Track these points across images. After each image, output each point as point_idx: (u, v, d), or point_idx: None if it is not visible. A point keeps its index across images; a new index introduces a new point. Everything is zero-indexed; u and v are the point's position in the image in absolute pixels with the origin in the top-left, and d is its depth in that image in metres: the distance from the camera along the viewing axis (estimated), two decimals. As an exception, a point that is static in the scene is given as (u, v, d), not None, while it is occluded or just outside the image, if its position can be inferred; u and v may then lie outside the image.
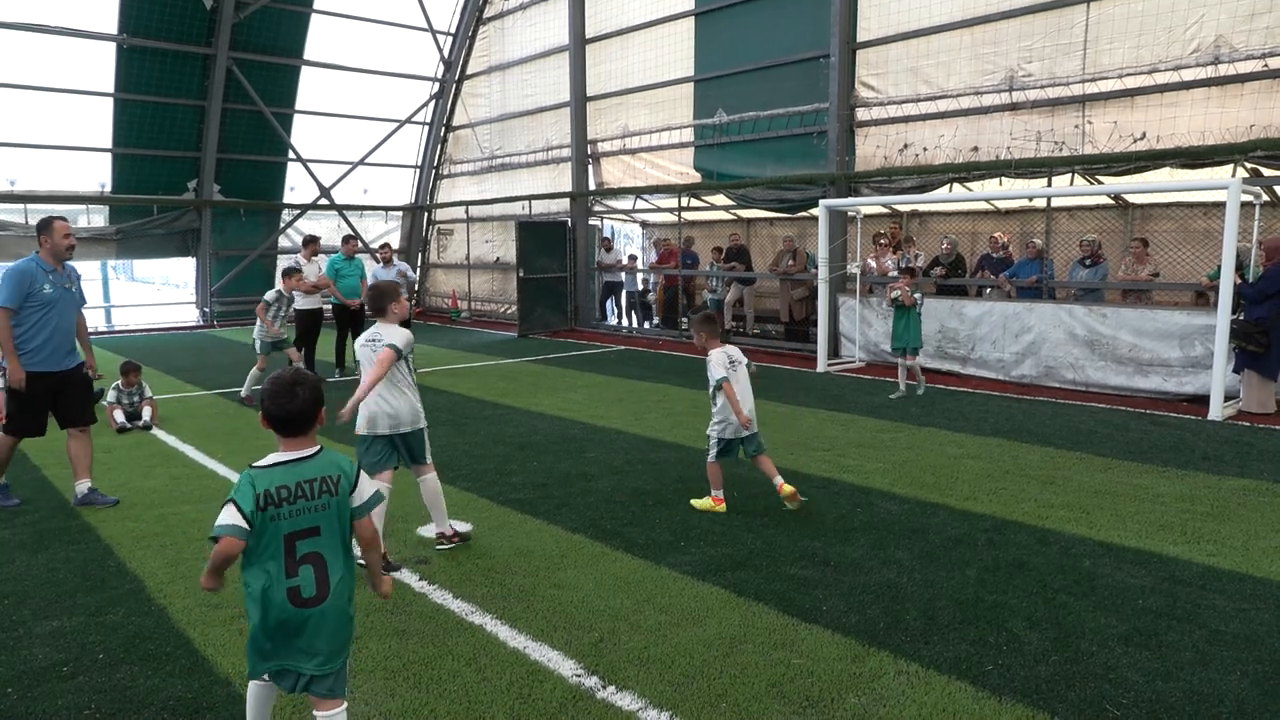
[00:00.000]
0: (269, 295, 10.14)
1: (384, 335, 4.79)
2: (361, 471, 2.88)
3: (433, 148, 22.45)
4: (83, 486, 6.09)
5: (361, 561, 3.01)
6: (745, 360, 5.89)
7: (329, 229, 21.67)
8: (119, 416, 8.57)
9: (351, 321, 11.74)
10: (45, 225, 5.87)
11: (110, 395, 8.76)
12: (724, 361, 5.71)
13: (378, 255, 12.31)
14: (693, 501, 5.89)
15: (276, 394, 2.74)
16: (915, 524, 5.41)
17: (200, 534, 5.37)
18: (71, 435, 6.07)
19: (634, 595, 4.35)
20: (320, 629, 2.71)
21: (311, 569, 2.72)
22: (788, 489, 5.67)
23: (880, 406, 9.25)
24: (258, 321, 10.09)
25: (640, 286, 18.97)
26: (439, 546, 5.10)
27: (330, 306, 11.86)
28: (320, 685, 2.74)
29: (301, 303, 11.25)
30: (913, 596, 4.29)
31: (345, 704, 2.82)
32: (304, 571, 2.70)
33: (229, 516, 2.61)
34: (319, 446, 2.82)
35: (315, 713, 2.78)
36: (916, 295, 9.70)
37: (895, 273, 13.09)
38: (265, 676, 2.76)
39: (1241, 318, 8.67)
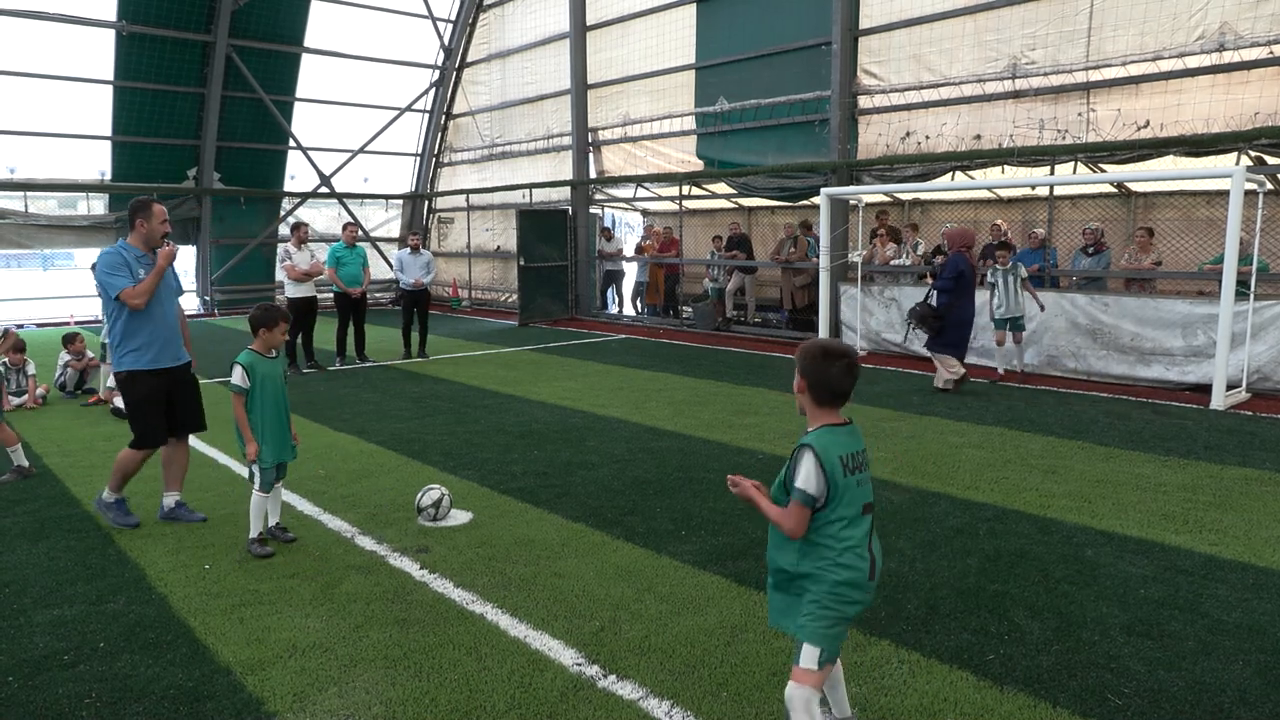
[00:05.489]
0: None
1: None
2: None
3: (433, 136, 22.36)
4: (170, 500, 5.45)
5: None
6: None
7: (329, 217, 21.65)
8: (14, 400, 8.13)
9: (353, 309, 11.75)
10: (142, 207, 5.16)
11: None
12: None
13: (409, 243, 12.75)
14: None
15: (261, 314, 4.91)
16: (916, 513, 5.40)
17: (201, 522, 5.37)
18: (173, 442, 5.39)
19: (635, 584, 4.35)
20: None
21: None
22: None
23: (880, 395, 9.23)
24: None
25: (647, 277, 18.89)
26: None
27: (331, 294, 11.86)
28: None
29: (292, 291, 11.22)
30: (914, 586, 4.28)
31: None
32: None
33: (237, 377, 4.79)
34: (275, 353, 5.01)
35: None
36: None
37: (896, 261, 13.07)
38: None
39: (927, 303, 9.65)
